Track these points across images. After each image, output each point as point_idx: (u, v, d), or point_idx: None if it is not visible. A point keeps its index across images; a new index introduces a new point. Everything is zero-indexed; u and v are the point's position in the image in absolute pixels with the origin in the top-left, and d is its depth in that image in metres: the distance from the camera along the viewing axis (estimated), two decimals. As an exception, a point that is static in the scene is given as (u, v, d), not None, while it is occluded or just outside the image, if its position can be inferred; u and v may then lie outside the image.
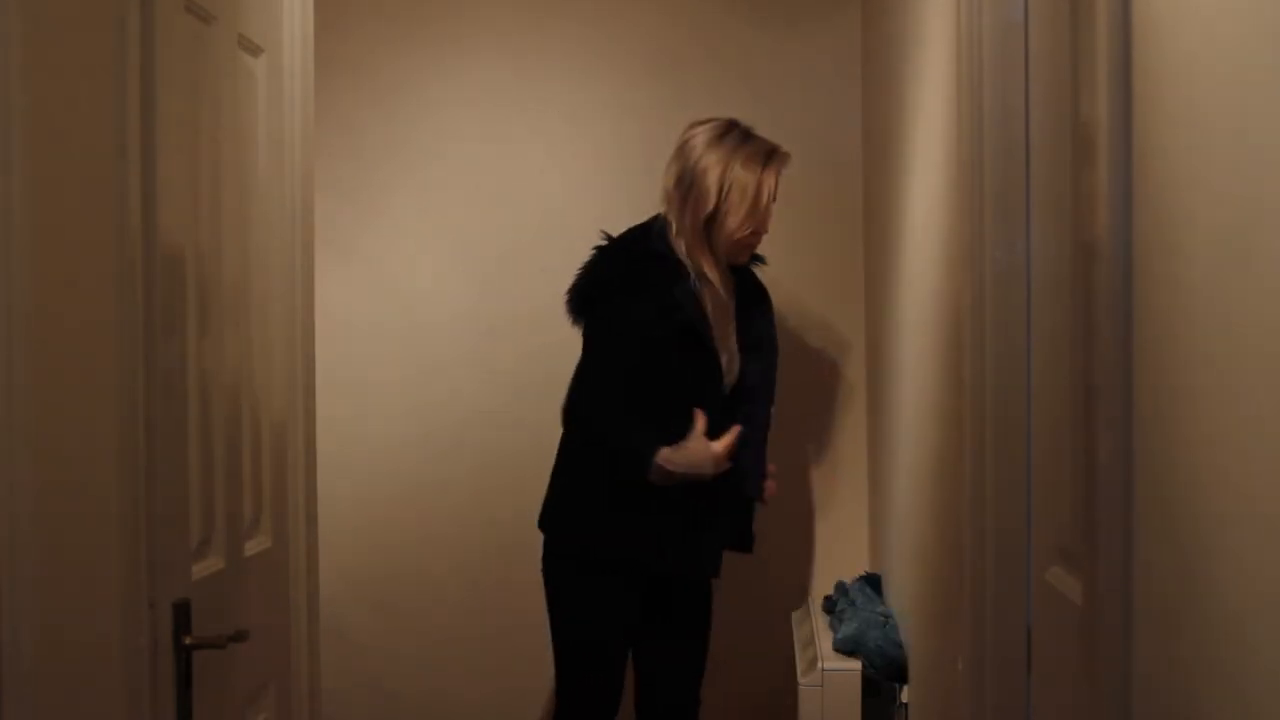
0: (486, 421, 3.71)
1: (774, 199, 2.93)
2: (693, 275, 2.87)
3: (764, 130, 3.70)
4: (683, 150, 2.92)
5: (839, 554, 3.68)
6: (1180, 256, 1.18)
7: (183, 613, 1.78)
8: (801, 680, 3.05)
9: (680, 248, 2.88)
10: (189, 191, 1.88)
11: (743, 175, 2.85)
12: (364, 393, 3.67)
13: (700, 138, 2.90)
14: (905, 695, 2.93)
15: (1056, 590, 1.76)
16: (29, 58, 1.42)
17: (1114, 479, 1.36)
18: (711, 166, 2.85)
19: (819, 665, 3.02)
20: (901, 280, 3.00)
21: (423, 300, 3.70)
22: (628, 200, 3.63)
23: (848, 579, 3.43)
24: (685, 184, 2.87)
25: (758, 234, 2.92)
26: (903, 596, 3.03)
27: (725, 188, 2.84)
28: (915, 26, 2.76)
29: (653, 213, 2.91)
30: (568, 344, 2.98)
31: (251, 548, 2.16)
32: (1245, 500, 1.03)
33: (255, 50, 2.21)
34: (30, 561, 1.42)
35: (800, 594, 3.65)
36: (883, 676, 2.97)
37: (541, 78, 3.67)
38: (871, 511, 3.65)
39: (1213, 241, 1.10)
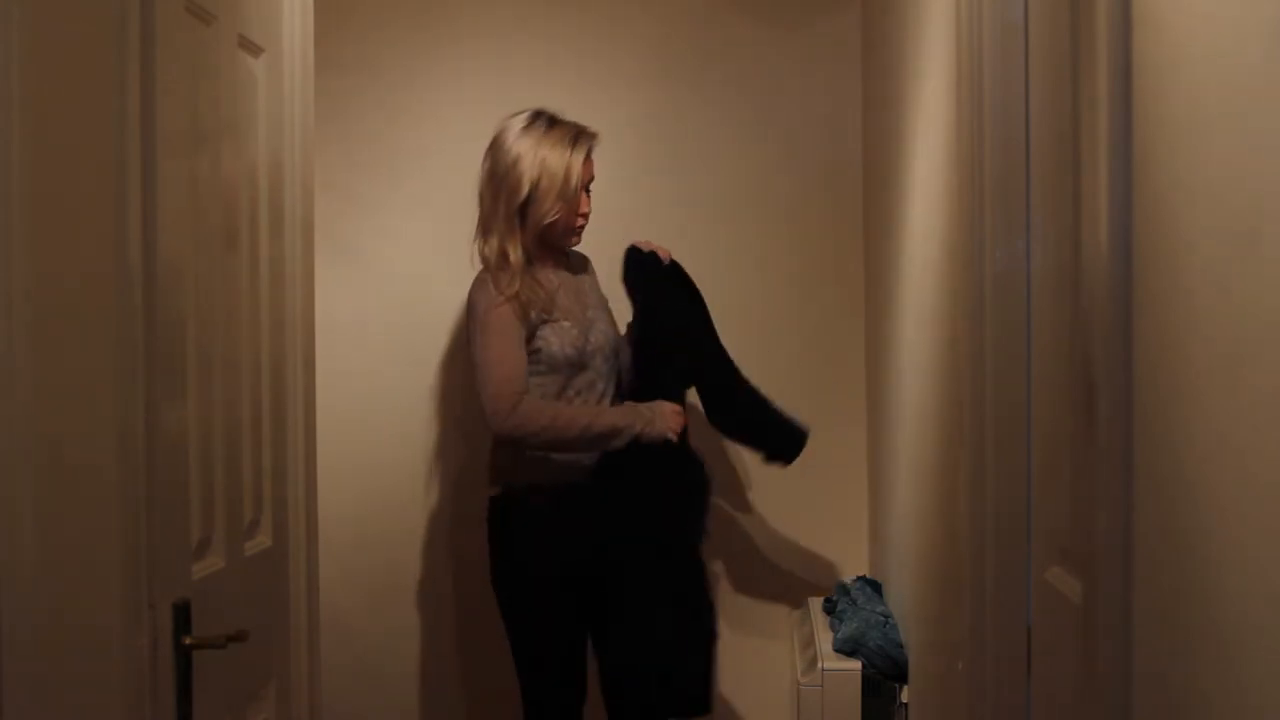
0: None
1: (586, 180, 3.01)
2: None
3: (763, 130, 3.72)
4: (494, 145, 2.99)
5: (839, 554, 3.68)
6: (1180, 256, 1.18)
7: (183, 613, 1.78)
8: (801, 680, 3.05)
9: (491, 245, 2.96)
10: (189, 191, 1.88)
11: (550, 159, 2.93)
12: (364, 392, 3.66)
13: (510, 131, 2.97)
14: (905, 695, 2.93)
15: (1056, 590, 1.76)
16: (29, 58, 1.42)
17: (1114, 479, 1.36)
18: (522, 155, 2.94)
19: (819, 665, 3.01)
20: (901, 280, 3.00)
21: (423, 300, 3.70)
22: (627, 200, 3.63)
23: (848, 579, 3.42)
24: (498, 177, 2.95)
25: (573, 214, 2.99)
26: (903, 597, 3.02)
27: (536, 174, 2.92)
28: (915, 26, 2.76)
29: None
30: (568, 344, 2.97)
31: (251, 548, 2.16)
32: (1245, 499, 1.03)
33: (255, 50, 2.21)
34: (30, 562, 1.42)
35: (800, 594, 3.65)
36: (883, 676, 2.97)
37: (541, 79, 3.67)
38: (871, 512, 3.65)
39: (1213, 241, 1.10)
